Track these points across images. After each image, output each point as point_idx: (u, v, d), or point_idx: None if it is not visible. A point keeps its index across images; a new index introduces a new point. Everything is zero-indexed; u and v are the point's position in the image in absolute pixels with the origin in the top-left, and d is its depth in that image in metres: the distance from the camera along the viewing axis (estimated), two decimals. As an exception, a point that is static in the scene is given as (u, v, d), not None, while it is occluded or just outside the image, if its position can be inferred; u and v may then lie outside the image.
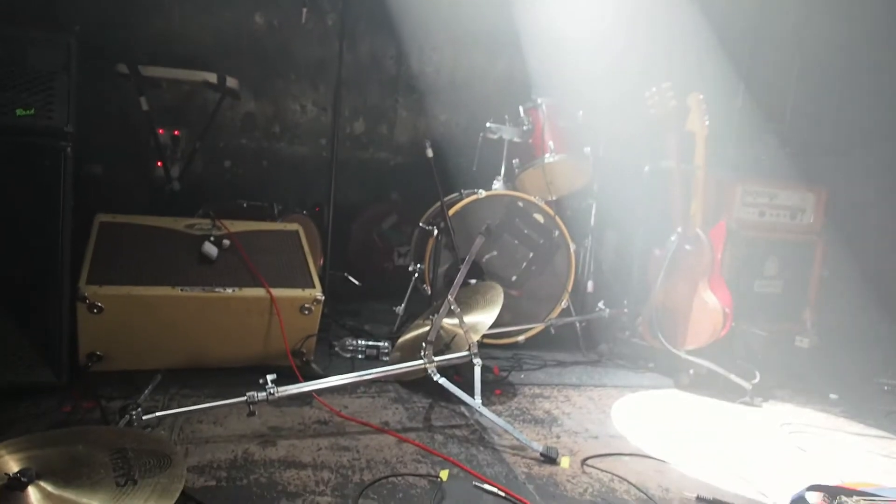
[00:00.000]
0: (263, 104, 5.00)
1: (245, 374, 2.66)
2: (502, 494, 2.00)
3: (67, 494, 1.57)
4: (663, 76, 3.50)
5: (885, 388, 3.58)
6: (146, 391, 2.32)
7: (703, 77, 3.79)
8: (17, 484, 1.55)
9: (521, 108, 3.94)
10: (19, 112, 2.28)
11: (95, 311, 2.51)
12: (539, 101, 3.86)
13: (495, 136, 3.88)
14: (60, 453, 1.76)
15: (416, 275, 3.68)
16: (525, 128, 3.88)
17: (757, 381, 3.16)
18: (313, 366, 2.92)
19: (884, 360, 3.99)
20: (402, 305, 3.73)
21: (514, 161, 3.92)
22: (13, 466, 1.61)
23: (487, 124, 3.88)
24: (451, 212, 3.53)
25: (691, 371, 3.29)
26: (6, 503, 1.52)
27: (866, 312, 4.24)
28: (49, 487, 1.58)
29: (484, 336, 3.41)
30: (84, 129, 2.59)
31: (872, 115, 4.32)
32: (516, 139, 3.88)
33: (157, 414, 2.13)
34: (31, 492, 1.55)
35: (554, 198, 3.95)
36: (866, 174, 4.32)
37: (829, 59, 4.51)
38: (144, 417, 2.08)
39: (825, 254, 4.25)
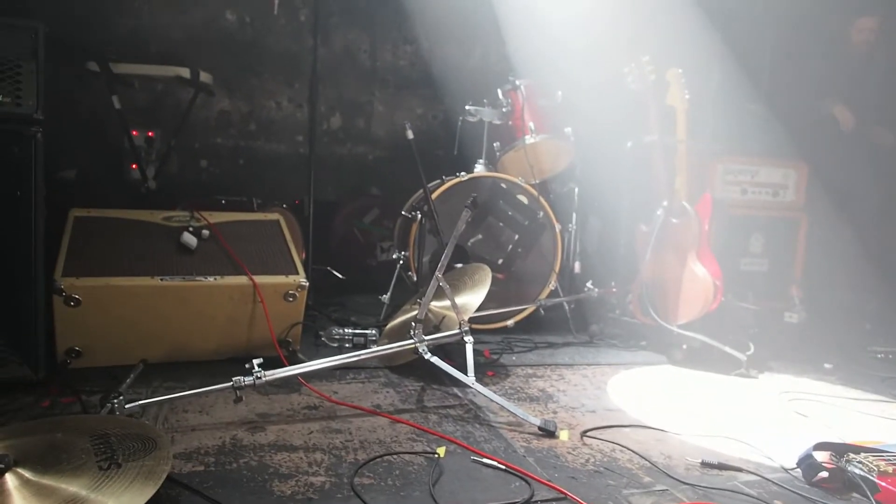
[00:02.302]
0: (238, 102, 4.92)
1: (230, 366, 2.55)
2: (502, 468, 1.94)
3: (47, 481, 1.49)
4: (643, 54, 3.49)
5: (879, 355, 3.58)
6: (128, 380, 2.23)
7: (682, 55, 3.76)
8: (-7, 470, 1.47)
9: (499, 91, 3.90)
10: (-11, 100, 2.20)
11: (73, 304, 2.42)
12: (517, 82, 3.82)
13: (475, 119, 3.84)
14: (38, 441, 1.67)
15: (401, 262, 3.61)
16: (504, 109, 3.84)
17: (751, 352, 3.13)
18: (300, 355, 2.85)
19: (872, 332, 4.00)
20: (388, 294, 3.67)
21: (494, 144, 3.89)
22: (-11, 456, 1.53)
23: (466, 107, 3.83)
24: (433, 196, 3.46)
25: (684, 346, 3.25)
26: (-17, 493, 1.44)
27: (852, 287, 4.24)
28: (27, 474, 1.50)
29: (472, 321, 3.36)
30: (56, 134, 2.48)
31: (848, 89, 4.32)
32: (496, 121, 3.84)
33: (141, 402, 2.04)
34: (9, 478, 1.48)
35: (537, 181, 3.91)
36: (846, 149, 4.31)
37: (801, 36, 4.54)
38: (127, 406, 1.99)
39: (809, 230, 4.25)
